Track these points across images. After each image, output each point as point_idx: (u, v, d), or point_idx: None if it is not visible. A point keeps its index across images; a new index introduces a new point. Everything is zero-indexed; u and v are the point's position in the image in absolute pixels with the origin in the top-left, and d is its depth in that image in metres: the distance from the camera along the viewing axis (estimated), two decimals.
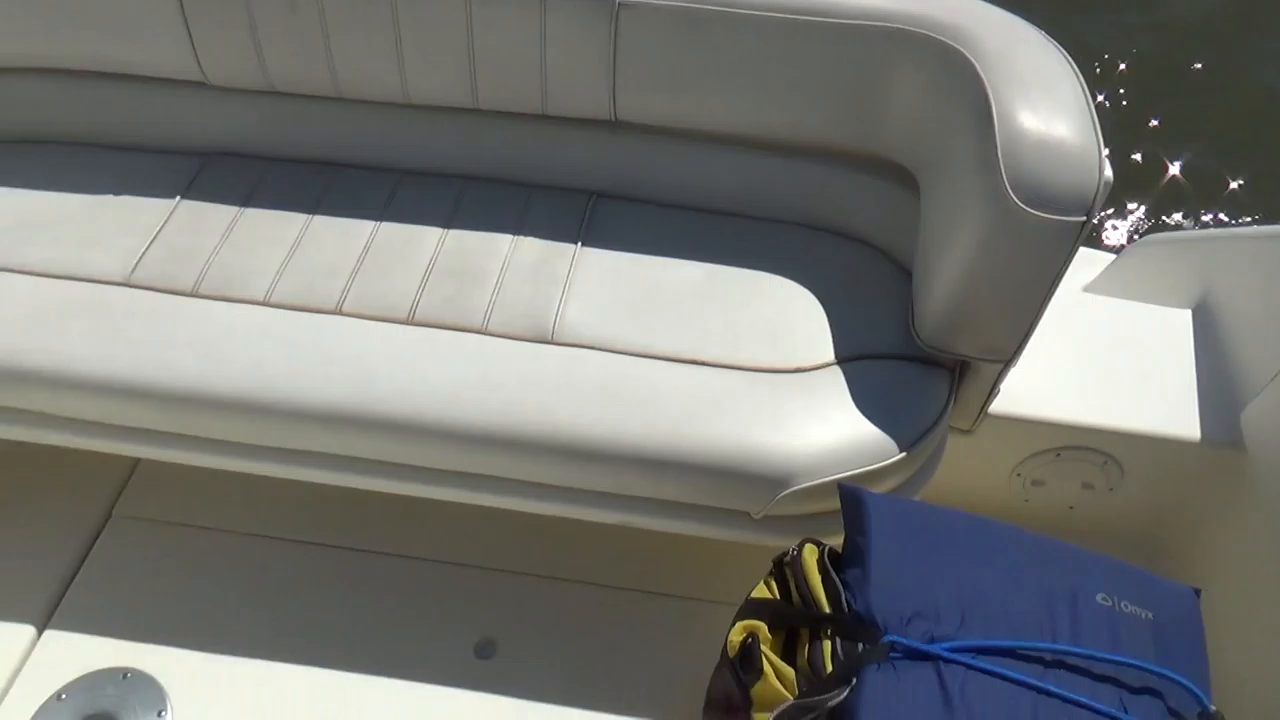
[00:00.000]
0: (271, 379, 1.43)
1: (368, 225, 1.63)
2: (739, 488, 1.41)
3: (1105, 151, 1.31)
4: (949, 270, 1.40)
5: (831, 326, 1.55)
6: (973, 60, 1.39)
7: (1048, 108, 1.32)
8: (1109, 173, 1.30)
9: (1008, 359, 1.46)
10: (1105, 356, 1.70)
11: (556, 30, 1.55)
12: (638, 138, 1.69)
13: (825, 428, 1.42)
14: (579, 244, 1.63)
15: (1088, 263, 2.18)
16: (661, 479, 1.43)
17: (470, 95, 1.65)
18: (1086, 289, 2.08)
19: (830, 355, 1.51)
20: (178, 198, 1.66)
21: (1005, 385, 1.59)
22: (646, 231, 1.66)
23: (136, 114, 1.74)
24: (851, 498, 1.26)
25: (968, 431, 1.64)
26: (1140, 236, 2.11)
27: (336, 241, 1.61)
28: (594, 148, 1.70)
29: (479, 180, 1.72)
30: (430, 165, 1.73)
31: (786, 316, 1.55)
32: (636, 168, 1.70)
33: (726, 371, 1.48)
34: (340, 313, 1.53)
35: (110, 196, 1.66)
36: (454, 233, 1.63)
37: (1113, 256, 2.17)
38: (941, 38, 1.43)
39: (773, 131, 1.64)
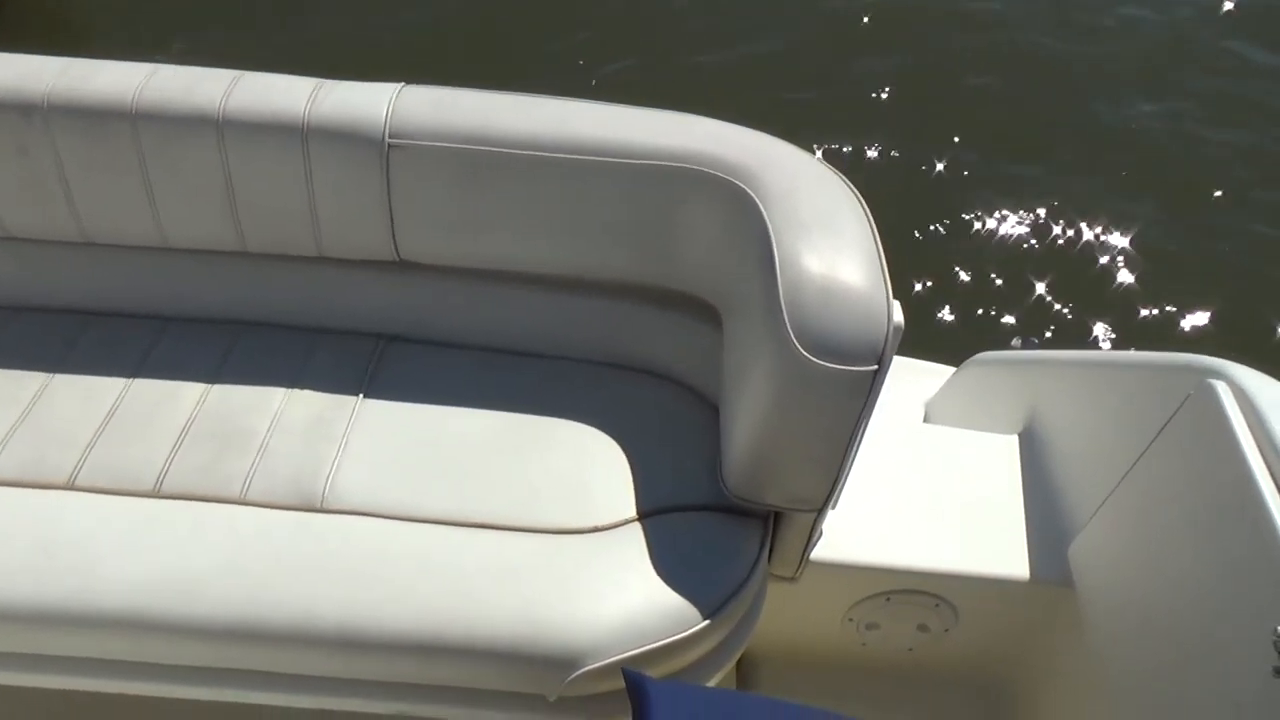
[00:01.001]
0: None
1: (118, 383, 1.46)
2: (527, 670, 1.25)
3: (892, 297, 1.25)
4: (747, 418, 1.31)
5: (635, 477, 1.43)
6: (758, 201, 1.32)
7: (831, 252, 1.26)
8: (899, 318, 1.23)
9: (818, 508, 1.36)
10: (932, 491, 1.63)
11: (323, 172, 1.43)
12: (426, 278, 1.57)
13: (622, 596, 1.28)
14: (361, 395, 1.48)
15: (931, 375, 2.14)
16: (440, 664, 1.26)
17: (237, 239, 1.51)
18: (926, 405, 2.04)
19: (632, 510, 1.39)
20: None
21: (828, 527, 1.50)
22: (438, 378, 1.53)
23: None
24: (634, 686, 1.12)
25: (792, 579, 1.53)
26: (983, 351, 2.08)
27: (78, 403, 1.43)
28: (381, 289, 1.57)
29: (256, 327, 1.57)
30: (198, 312, 1.58)
31: (585, 468, 1.43)
32: (427, 309, 1.58)
33: (515, 535, 1.34)
34: (72, 488, 1.34)
35: None
36: (218, 388, 1.47)
37: (952, 370, 2.15)
38: (728, 177, 1.37)
39: (567, 269, 1.54)
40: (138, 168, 1.43)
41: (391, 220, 1.47)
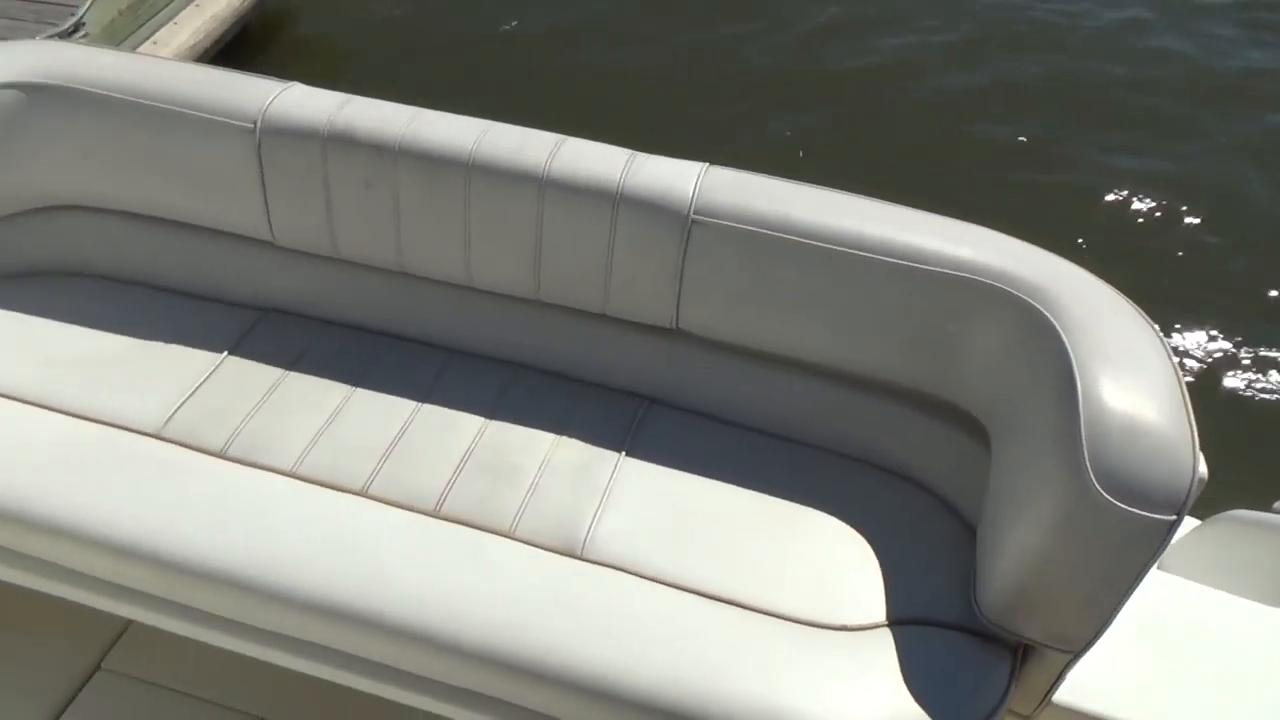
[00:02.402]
0: (280, 561, 1.34)
1: (409, 405, 1.58)
2: None
3: (1198, 444, 1.21)
4: (1018, 547, 1.28)
5: (885, 580, 1.42)
6: (1057, 326, 1.31)
7: (1137, 389, 1.23)
8: (1204, 469, 1.18)
9: (1079, 650, 1.31)
10: (1188, 653, 1.53)
11: (626, 237, 1.52)
12: (697, 349, 1.63)
13: (870, 704, 1.27)
14: (623, 452, 1.55)
15: None
16: None
17: (533, 287, 1.62)
18: (1161, 562, 1.93)
19: (880, 615, 1.38)
20: (225, 353, 1.63)
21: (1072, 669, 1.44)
22: (695, 447, 1.58)
23: (198, 262, 1.75)
24: None
25: (1026, 717, 1.47)
26: (1228, 509, 1.95)
27: (375, 418, 1.55)
28: (651, 353, 1.64)
29: (529, 370, 1.67)
30: (482, 349, 1.69)
31: (835, 563, 1.43)
32: (692, 379, 1.64)
33: (763, 618, 1.35)
34: (365, 495, 1.45)
35: (159, 344, 1.64)
36: (495, 424, 1.57)
37: (1197, 522, 2.02)
38: (1025, 297, 1.36)
39: (837, 362, 1.56)
40: (462, 213, 1.57)
41: (679, 292, 1.54)
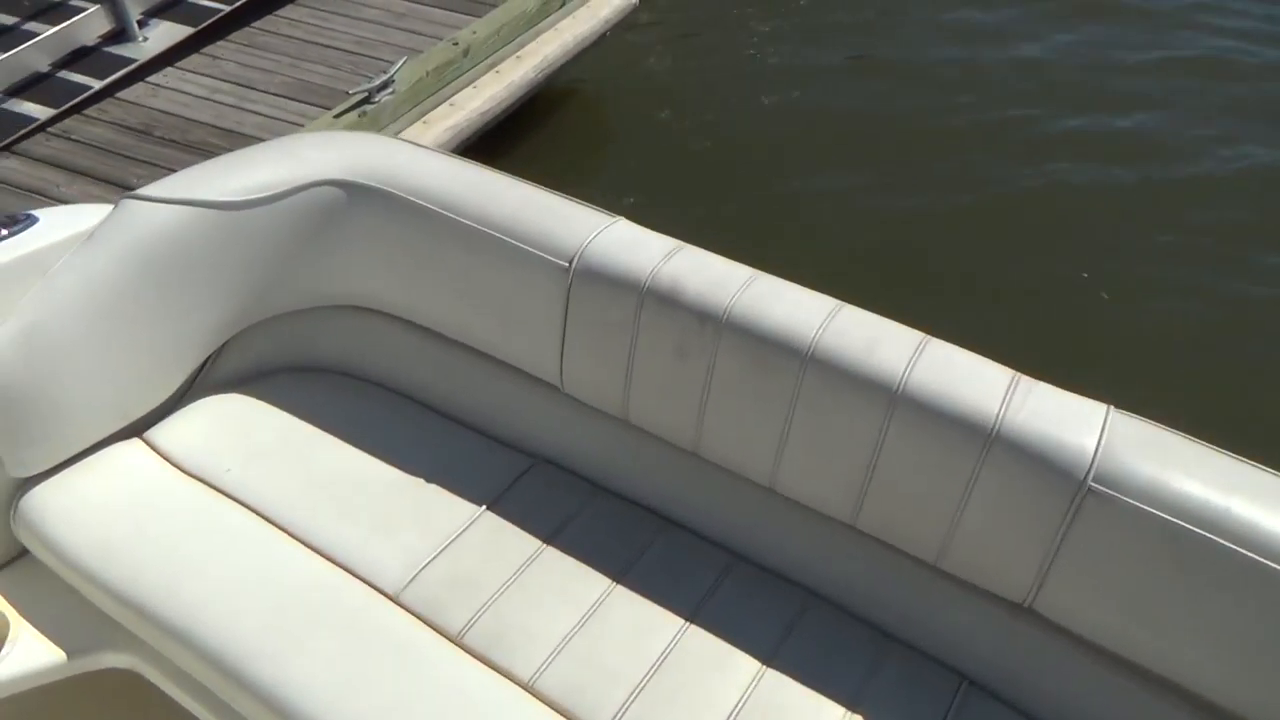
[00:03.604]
0: None
1: (676, 621, 1.31)
2: None
3: None
4: None
5: None
6: None
7: None
8: None
9: None
10: None
11: (991, 485, 1.20)
12: (1045, 634, 1.27)
13: None
14: None
15: None
16: None
17: (851, 513, 1.33)
18: None
19: None
20: (484, 506, 1.43)
21: None
22: None
23: (475, 390, 1.58)
24: None
25: None
26: None
27: (634, 629, 1.29)
28: (984, 626, 1.30)
29: (828, 604, 1.36)
30: (770, 563, 1.41)
31: None
32: (1034, 670, 1.28)
33: None
34: None
35: (420, 479, 1.47)
36: (774, 671, 1.27)
37: None
38: None
39: (1240, 706, 1.16)
40: (786, 408, 1.30)
41: (1048, 568, 1.20)
